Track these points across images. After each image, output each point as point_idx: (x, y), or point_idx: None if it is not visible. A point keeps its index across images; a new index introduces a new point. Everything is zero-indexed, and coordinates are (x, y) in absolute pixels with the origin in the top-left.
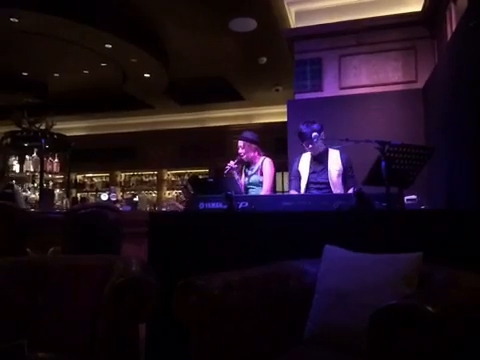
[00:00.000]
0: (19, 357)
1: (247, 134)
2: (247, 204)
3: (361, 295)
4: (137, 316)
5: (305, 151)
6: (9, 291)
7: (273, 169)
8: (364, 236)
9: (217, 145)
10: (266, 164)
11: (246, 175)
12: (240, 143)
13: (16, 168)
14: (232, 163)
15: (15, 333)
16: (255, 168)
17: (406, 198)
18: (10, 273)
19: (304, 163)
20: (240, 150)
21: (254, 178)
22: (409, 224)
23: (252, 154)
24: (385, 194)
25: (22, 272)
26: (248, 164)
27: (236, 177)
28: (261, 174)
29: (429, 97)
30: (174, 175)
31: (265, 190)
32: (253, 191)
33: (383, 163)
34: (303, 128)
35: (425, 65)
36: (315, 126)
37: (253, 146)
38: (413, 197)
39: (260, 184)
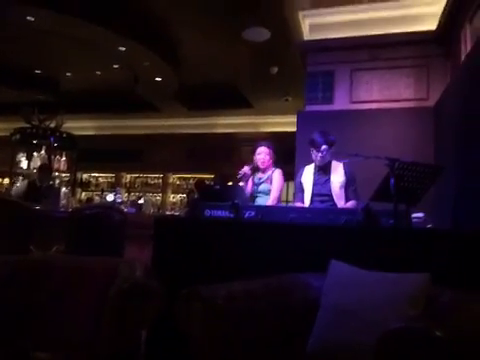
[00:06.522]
0: None
1: (268, 143)
2: (253, 213)
3: (365, 313)
4: (141, 321)
5: (309, 162)
6: (11, 289)
7: (283, 180)
8: (371, 253)
9: (224, 151)
10: (276, 174)
11: (254, 183)
12: (264, 149)
13: (24, 164)
14: (247, 168)
15: (17, 332)
16: (265, 177)
17: (413, 215)
18: (13, 271)
19: (307, 175)
20: (261, 156)
21: (264, 186)
22: (417, 243)
23: (268, 163)
24: (393, 211)
25: (25, 270)
26: (258, 171)
27: (244, 183)
28: (271, 183)
29: (440, 115)
30: (179, 179)
31: (272, 199)
32: (261, 199)
33: (392, 180)
34: (317, 137)
35: (437, 83)
36: (330, 137)
37: (273, 155)
38: (420, 215)
39: (269, 193)
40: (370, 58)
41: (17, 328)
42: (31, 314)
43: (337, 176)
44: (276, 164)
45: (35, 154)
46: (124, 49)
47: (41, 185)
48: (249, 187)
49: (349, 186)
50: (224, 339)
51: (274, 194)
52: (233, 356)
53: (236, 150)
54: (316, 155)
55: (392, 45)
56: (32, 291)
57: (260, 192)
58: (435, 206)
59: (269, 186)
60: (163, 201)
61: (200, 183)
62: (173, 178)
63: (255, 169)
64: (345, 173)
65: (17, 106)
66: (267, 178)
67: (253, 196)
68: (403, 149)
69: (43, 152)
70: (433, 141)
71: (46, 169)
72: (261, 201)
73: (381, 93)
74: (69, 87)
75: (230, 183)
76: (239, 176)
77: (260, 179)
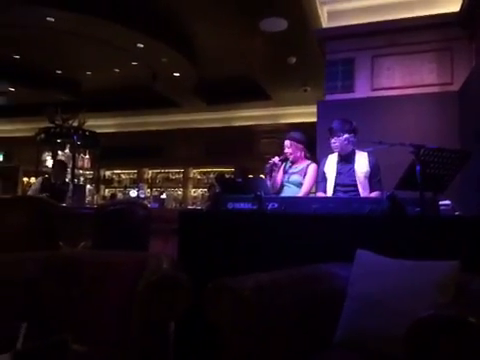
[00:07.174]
0: (63, 352)
1: (294, 134)
2: (276, 205)
3: (394, 302)
4: (170, 313)
5: (331, 152)
6: (45, 284)
7: (316, 175)
8: (398, 242)
9: (243, 144)
10: (311, 169)
11: (285, 172)
12: (287, 142)
13: (49, 163)
14: (276, 159)
15: (51, 326)
16: (298, 168)
17: (440, 203)
18: (46, 266)
19: (330, 165)
20: (286, 149)
21: (295, 178)
22: (445, 231)
23: (298, 154)
24: (419, 199)
25: (57, 266)
26: (291, 162)
27: (274, 173)
28: (304, 176)
29: (465, 100)
30: (200, 173)
31: (303, 193)
32: (289, 190)
33: (418, 167)
34: (336, 124)
35: (462, 67)
36: (347, 126)
37: (300, 146)
38: (447, 202)
39: (300, 186)
40: (391, 44)
41: (55, 322)
42: (64, 308)
43: (361, 166)
44: (309, 157)
45: (60, 153)
46: (142, 46)
47: (56, 182)
48: (279, 176)
49: (373, 177)
50: (251, 329)
51: (306, 188)
52: (260, 346)
53: (256, 143)
54: (334, 143)
55: (414, 29)
56: (63, 286)
57: (290, 182)
58: (462, 193)
59: (301, 179)
60: (184, 196)
61: (221, 177)
62: (194, 173)
63: (285, 160)
64: (369, 163)
65: (40, 107)
66: (300, 170)
67: (282, 185)
68: (427, 135)
69: (67, 151)
70: (458, 127)
71: (61, 166)
72: (289, 191)
73: (403, 79)
74: (90, 86)
75: (250, 176)
76: (268, 165)
77: (291, 167)
